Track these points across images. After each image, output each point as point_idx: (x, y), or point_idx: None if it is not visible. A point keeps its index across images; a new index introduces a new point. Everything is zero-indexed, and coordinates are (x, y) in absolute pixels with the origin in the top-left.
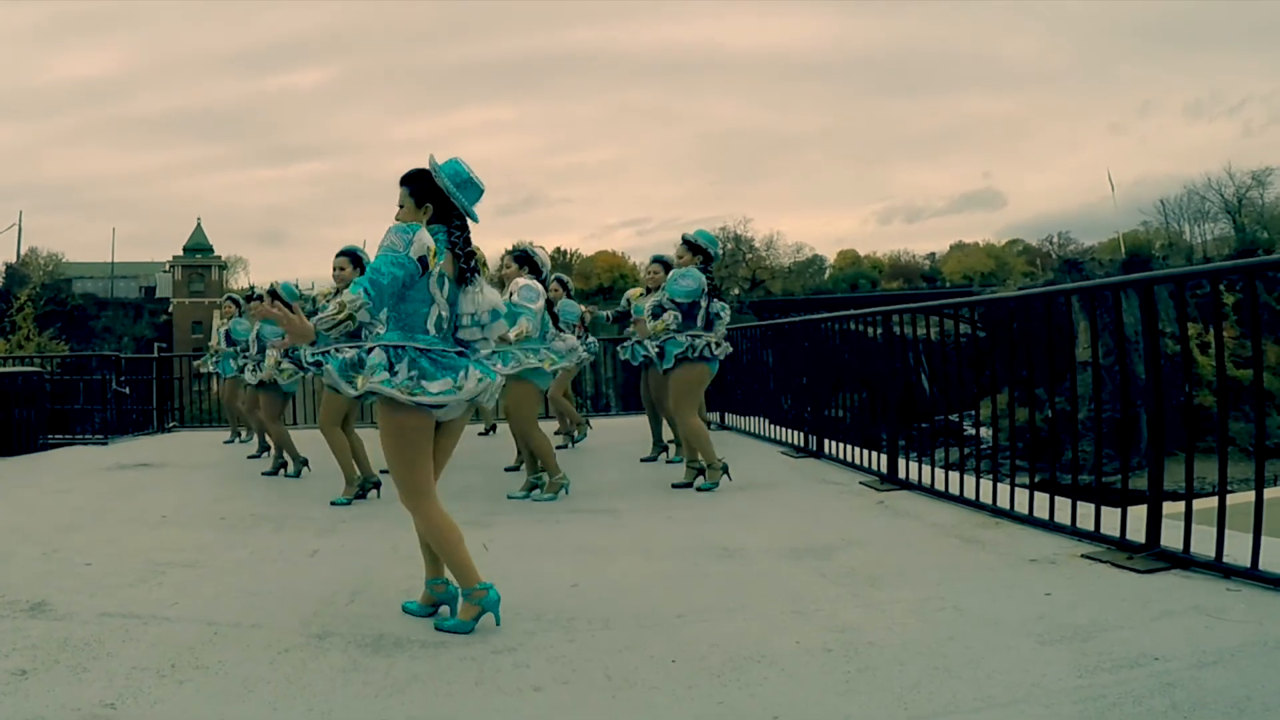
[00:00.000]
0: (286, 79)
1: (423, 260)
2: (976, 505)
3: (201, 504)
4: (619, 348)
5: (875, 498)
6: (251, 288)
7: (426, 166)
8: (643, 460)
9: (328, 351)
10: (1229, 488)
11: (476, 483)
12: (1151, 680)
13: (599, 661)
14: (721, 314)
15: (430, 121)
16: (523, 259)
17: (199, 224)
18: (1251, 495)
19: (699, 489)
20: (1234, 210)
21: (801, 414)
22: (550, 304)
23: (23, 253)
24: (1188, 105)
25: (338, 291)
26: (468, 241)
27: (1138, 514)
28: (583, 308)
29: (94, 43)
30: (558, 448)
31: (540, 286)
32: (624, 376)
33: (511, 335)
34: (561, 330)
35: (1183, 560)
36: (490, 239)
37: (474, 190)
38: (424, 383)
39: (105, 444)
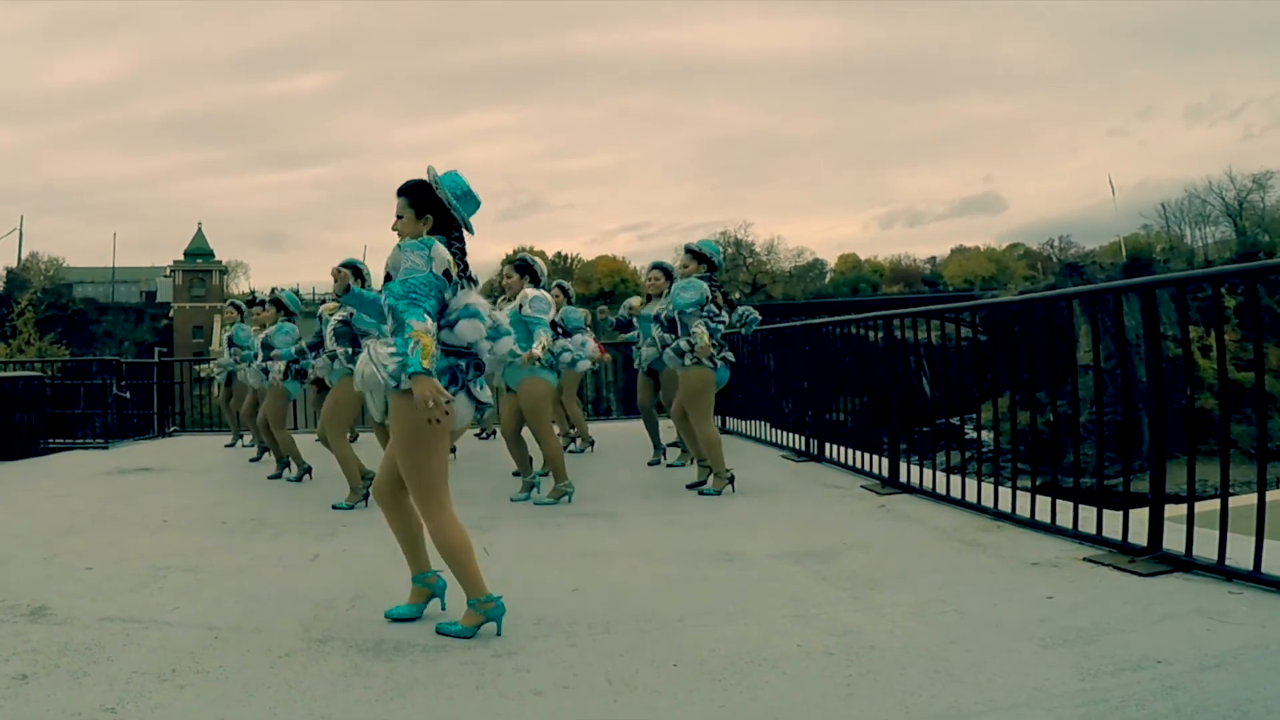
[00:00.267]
0: (287, 83)
1: (446, 274)
2: (978, 509)
3: (202, 508)
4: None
5: (876, 501)
6: (253, 292)
7: (423, 177)
8: (649, 464)
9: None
10: (1231, 490)
11: (477, 487)
12: (1154, 683)
13: (600, 665)
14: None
15: (431, 126)
16: (523, 268)
17: (200, 228)
18: (1253, 498)
19: (701, 493)
20: (1235, 214)
21: (802, 418)
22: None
23: (24, 257)
24: (1188, 108)
25: (339, 296)
26: (464, 253)
27: (1139, 517)
28: (588, 313)
29: (95, 46)
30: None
31: (549, 296)
32: (624, 380)
33: (538, 351)
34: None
35: (1185, 563)
36: (492, 244)
37: (473, 202)
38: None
39: (106, 448)
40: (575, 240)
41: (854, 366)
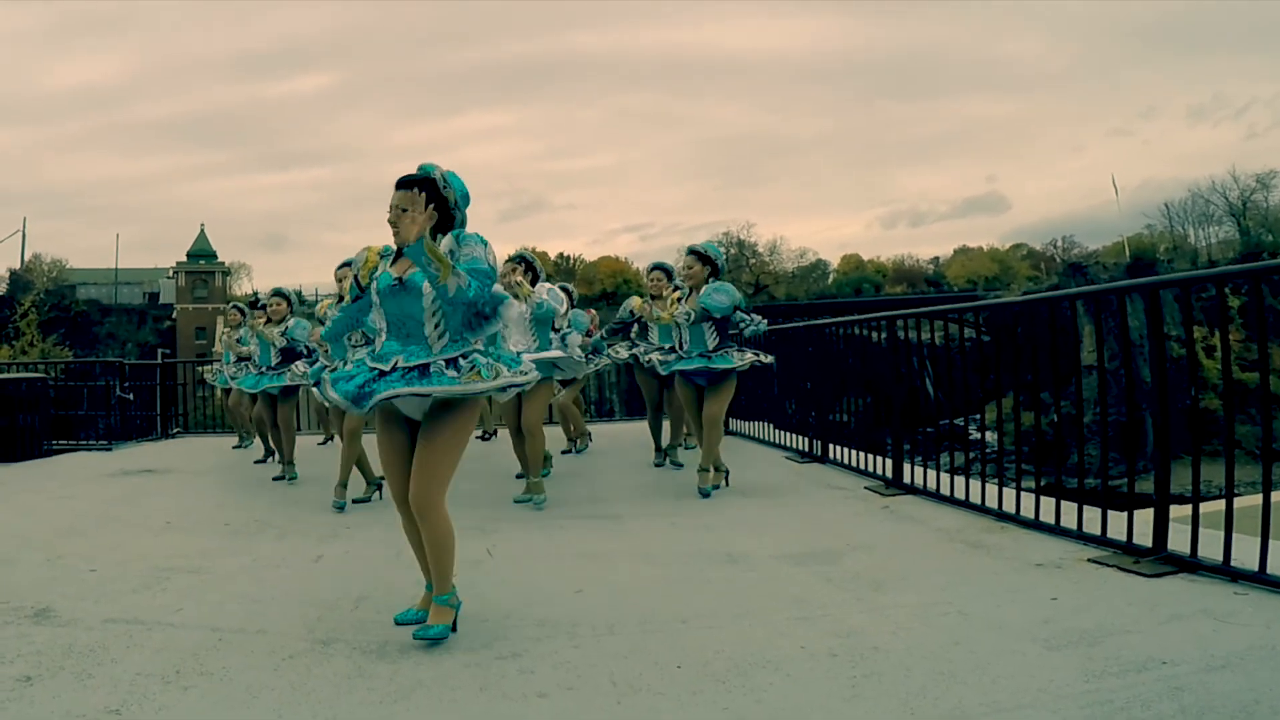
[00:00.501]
0: (288, 84)
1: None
2: (982, 510)
3: (205, 510)
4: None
5: (880, 502)
6: (255, 294)
7: (420, 173)
8: (655, 465)
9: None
10: (1236, 491)
11: (478, 488)
12: (1159, 684)
13: (603, 667)
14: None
15: (431, 126)
16: (526, 264)
17: (202, 230)
18: (1258, 498)
19: (700, 490)
20: (1238, 213)
21: (806, 419)
22: None
23: (27, 259)
24: (1191, 108)
25: (340, 298)
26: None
27: (1144, 518)
28: (594, 314)
29: (96, 48)
30: (562, 452)
31: (560, 294)
32: (627, 382)
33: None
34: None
35: (1190, 564)
36: (495, 245)
37: (467, 204)
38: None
39: (109, 450)
40: (577, 240)
41: (857, 367)
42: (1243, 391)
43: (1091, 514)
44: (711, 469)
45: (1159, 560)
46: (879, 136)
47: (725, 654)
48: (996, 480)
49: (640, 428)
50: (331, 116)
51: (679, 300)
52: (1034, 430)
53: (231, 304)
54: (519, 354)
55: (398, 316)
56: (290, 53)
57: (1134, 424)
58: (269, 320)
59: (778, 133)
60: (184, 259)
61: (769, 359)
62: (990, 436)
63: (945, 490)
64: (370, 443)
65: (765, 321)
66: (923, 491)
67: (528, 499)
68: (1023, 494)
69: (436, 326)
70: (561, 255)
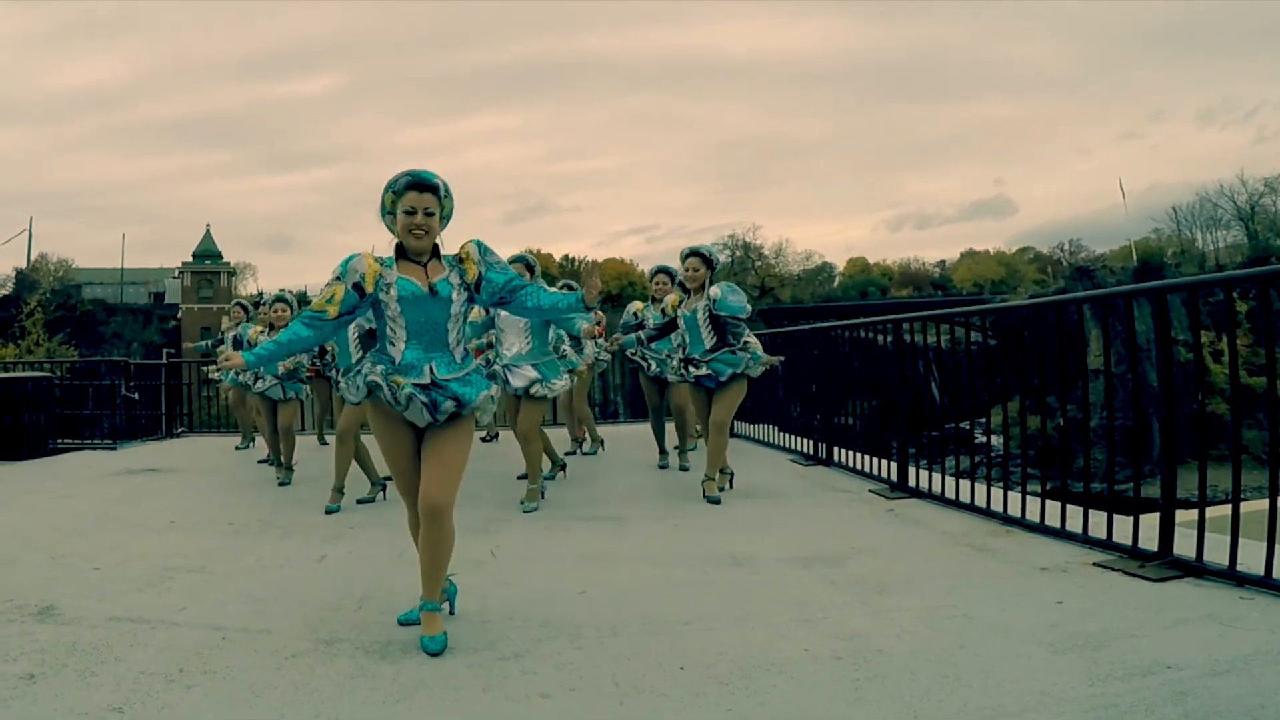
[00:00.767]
0: (293, 86)
1: None
2: (987, 513)
3: (209, 509)
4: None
5: (885, 505)
6: (260, 294)
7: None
8: (661, 467)
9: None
10: (1242, 496)
11: (481, 490)
12: (1164, 689)
13: (607, 669)
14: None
15: (436, 128)
16: (526, 266)
17: (208, 230)
18: (1265, 503)
19: (706, 497)
20: (1247, 217)
21: (811, 422)
22: None
23: (33, 258)
24: (1200, 112)
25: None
26: None
27: (1150, 522)
28: (601, 315)
29: (100, 49)
30: (566, 453)
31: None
32: (631, 383)
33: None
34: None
35: (1195, 568)
36: (500, 247)
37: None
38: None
39: (114, 449)
40: (583, 242)
41: (863, 370)
42: (1250, 396)
43: (1097, 518)
44: (716, 476)
45: (1164, 564)
46: (885, 139)
47: (728, 656)
48: (1002, 484)
49: (644, 430)
50: (336, 118)
51: (679, 304)
52: (1040, 434)
53: (235, 301)
54: (512, 358)
55: (422, 324)
56: (295, 54)
57: (1140, 428)
58: (272, 327)
59: (783, 135)
60: (189, 259)
61: (778, 360)
62: (996, 440)
63: (950, 494)
64: (370, 443)
65: (760, 348)
66: (928, 495)
67: (534, 507)
68: (1028, 498)
69: (455, 335)
70: (566, 257)
